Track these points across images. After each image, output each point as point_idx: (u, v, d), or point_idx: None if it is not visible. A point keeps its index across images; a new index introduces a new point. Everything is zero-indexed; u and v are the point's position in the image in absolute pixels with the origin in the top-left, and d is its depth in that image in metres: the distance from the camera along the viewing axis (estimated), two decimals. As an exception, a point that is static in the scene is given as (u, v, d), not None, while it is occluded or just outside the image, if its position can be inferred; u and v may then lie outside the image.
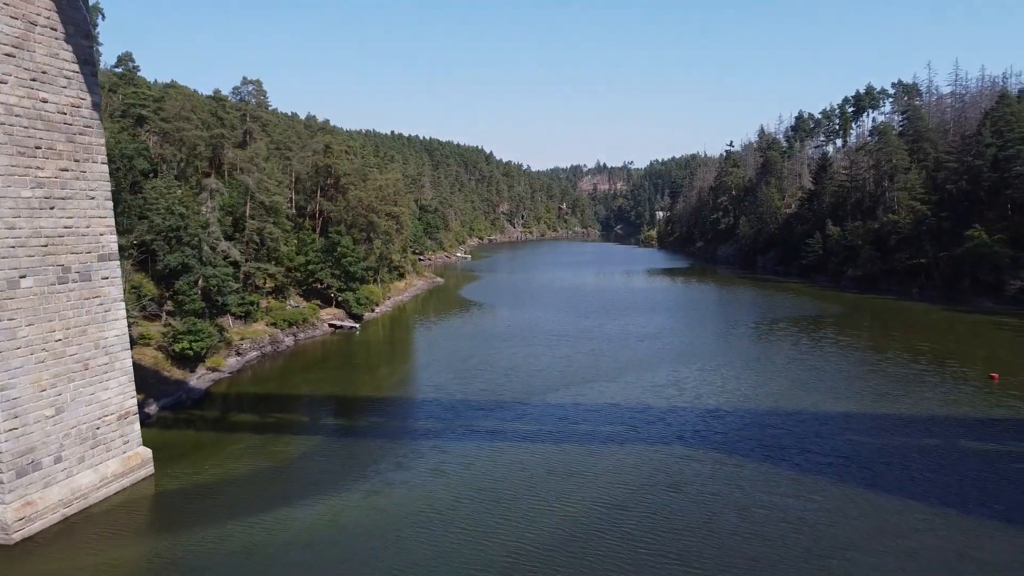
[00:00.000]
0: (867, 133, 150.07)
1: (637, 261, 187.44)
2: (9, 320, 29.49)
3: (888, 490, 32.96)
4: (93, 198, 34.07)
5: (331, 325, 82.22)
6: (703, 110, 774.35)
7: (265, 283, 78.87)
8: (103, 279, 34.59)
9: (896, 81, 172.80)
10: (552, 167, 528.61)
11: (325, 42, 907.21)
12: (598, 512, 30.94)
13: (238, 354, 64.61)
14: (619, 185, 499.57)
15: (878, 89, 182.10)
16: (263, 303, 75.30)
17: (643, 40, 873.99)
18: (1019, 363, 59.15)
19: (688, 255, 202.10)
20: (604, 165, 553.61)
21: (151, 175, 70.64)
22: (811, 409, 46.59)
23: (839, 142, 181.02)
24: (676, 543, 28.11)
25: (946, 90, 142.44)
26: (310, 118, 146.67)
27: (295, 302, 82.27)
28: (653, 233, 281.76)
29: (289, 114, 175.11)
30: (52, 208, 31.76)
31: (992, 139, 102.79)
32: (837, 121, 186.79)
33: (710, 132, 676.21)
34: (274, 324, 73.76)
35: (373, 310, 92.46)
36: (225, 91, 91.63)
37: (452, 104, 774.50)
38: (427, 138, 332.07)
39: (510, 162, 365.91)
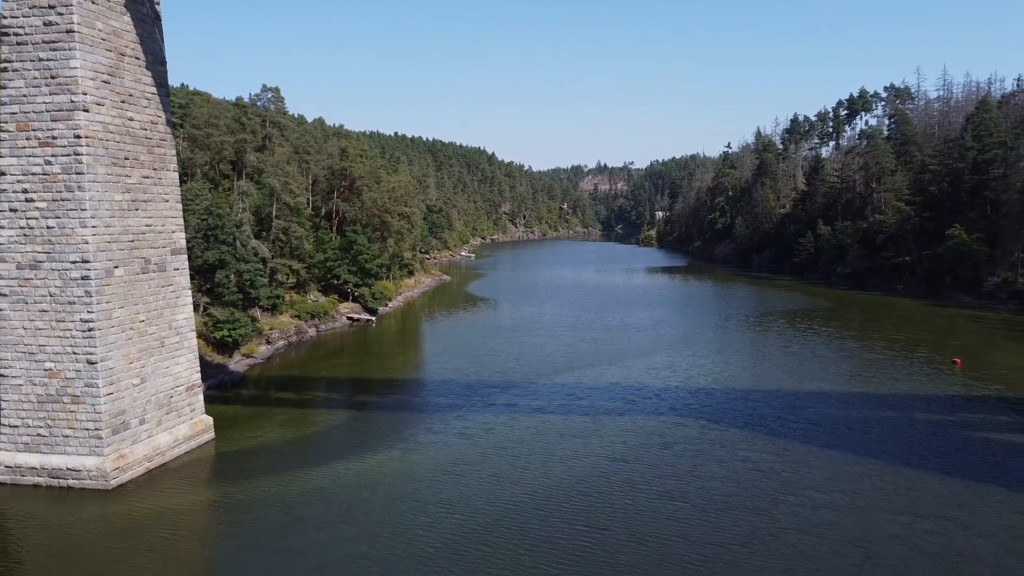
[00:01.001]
0: (856, 136, 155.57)
1: (637, 260, 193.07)
2: (107, 303, 35.19)
3: (846, 448, 38.66)
4: (167, 200, 39.80)
5: (349, 318, 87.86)
6: (703, 111, 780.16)
7: (288, 278, 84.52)
8: (175, 270, 40.33)
9: (888, 85, 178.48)
10: (553, 167, 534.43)
11: (328, 44, 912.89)
12: (602, 464, 36.75)
13: (268, 343, 70.31)
14: (620, 185, 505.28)
15: (871, 93, 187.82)
16: (286, 297, 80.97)
17: (644, 41, 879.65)
18: (984, 351, 64.79)
19: (686, 254, 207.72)
20: (605, 165, 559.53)
21: (184, 179, 76.34)
22: (789, 388, 52.29)
23: (832, 144, 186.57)
24: (666, 485, 33.80)
25: (934, 95, 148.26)
26: (317, 120, 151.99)
27: (315, 296, 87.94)
28: (653, 233, 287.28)
29: (296, 115, 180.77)
30: (137, 209, 37.48)
31: (972, 143, 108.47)
32: (831, 124, 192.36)
33: (710, 133, 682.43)
34: (298, 316, 79.45)
35: (386, 305, 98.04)
36: (225, 93, 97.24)
37: (454, 105, 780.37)
38: (430, 139, 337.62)
39: (512, 163, 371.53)
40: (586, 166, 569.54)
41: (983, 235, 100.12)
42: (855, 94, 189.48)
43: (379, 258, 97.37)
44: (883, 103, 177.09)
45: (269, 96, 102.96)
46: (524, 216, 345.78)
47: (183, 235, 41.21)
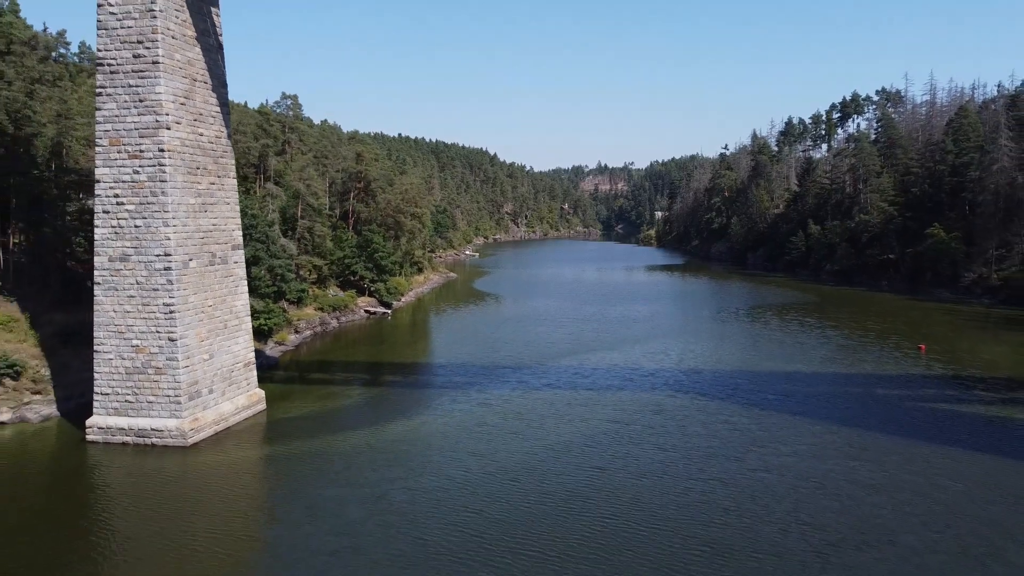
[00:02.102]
0: (844, 140, 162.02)
1: (636, 258, 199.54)
2: (183, 290, 41.69)
3: (812, 416, 45.14)
4: (228, 203, 46.30)
5: (366, 311, 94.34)
6: (703, 112, 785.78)
7: (310, 274, 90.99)
8: (234, 263, 46.86)
9: (880, 88, 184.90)
10: (554, 167, 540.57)
11: (329, 45, 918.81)
12: (604, 425, 43.47)
13: (296, 332, 76.79)
14: (620, 185, 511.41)
15: (863, 96, 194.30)
16: (310, 291, 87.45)
17: (644, 43, 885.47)
18: (949, 339, 71.22)
19: (684, 253, 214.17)
20: (605, 166, 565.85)
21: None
22: (769, 368, 58.79)
23: (824, 146, 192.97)
24: (657, 440, 40.39)
25: (920, 99, 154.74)
26: (332, 126, 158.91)
27: (334, 291, 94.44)
28: (652, 232, 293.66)
29: (304, 118, 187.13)
30: (205, 211, 43.97)
31: (952, 147, 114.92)
32: (823, 126, 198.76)
33: (709, 133, 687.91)
34: (321, 309, 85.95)
35: (400, 299, 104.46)
36: (233, 96, 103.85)
37: (457, 106, 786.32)
38: (433, 140, 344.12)
39: (514, 163, 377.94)
40: (587, 166, 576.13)
41: (961, 234, 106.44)
42: (848, 97, 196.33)
43: (393, 256, 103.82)
44: (874, 106, 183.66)
45: (288, 103, 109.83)
46: (526, 216, 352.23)
47: (240, 233, 47.74)
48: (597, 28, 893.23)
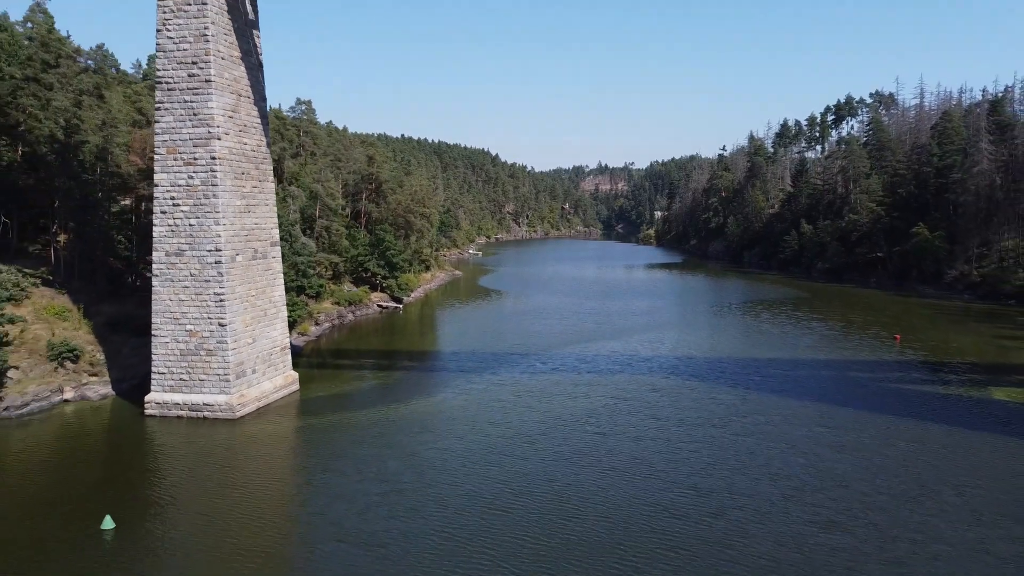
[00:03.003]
0: (835, 142, 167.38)
1: (635, 257, 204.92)
2: (232, 281, 47.07)
3: (788, 393, 50.56)
4: (267, 205, 51.70)
5: (379, 305, 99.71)
6: (703, 113, 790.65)
7: (326, 270, 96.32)
8: (272, 258, 52.25)
9: (874, 91, 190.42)
10: (555, 167, 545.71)
11: (332, 47, 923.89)
12: (606, 400, 49.04)
13: (316, 324, 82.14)
14: (620, 185, 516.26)
15: (857, 99, 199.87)
16: (327, 286, 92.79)
17: (645, 45, 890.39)
18: (925, 330, 76.56)
19: (683, 252, 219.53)
20: (606, 166, 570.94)
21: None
22: (754, 355, 64.16)
23: (819, 148, 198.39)
24: (653, 412, 45.85)
25: (911, 102, 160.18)
26: (343, 129, 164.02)
27: (348, 287, 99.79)
28: (652, 232, 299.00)
29: (316, 121, 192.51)
30: (249, 211, 49.35)
31: (937, 149, 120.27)
32: (818, 129, 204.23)
33: (709, 134, 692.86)
34: (338, 303, 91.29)
35: (409, 295, 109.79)
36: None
37: (459, 107, 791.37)
38: (436, 141, 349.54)
39: (515, 164, 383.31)
40: (587, 166, 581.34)
41: (944, 233, 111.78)
42: (841, 100, 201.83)
43: (403, 253, 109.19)
44: (867, 109, 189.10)
45: (303, 109, 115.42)
46: (527, 216, 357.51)
47: (277, 231, 53.15)
48: (598, 29, 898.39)
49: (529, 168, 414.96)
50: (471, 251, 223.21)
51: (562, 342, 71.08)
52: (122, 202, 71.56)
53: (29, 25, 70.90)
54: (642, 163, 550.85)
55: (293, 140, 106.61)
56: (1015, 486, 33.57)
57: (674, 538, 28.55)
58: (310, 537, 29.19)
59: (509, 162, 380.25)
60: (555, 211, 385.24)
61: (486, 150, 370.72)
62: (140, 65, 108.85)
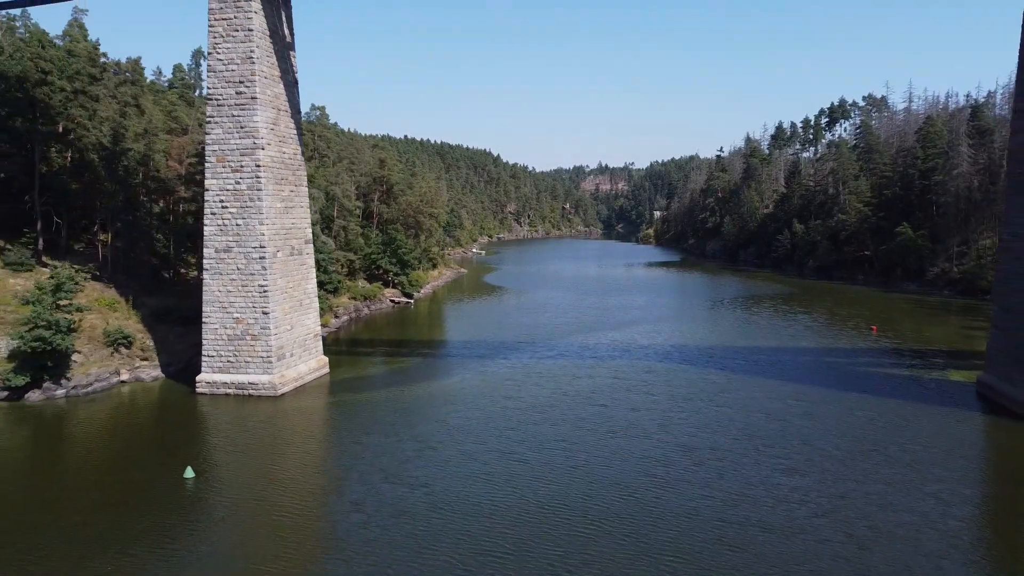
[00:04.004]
0: (826, 145, 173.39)
1: (634, 256, 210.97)
2: (274, 274, 53.08)
3: (769, 375, 56.58)
4: (302, 207, 57.73)
5: (392, 300, 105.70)
6: (702, 113, 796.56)
7: (342, 268, 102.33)
8: (307, 254, 58.30)
9: (867, 95, 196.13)
10: (556, 167, 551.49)
11: (335, 50, 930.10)
12: (606, 380, 55.16)
13: (336, 316, 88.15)
14: (620, 185, 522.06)
15: (850, 102, 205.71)
16: (343, 282, 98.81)
17: (646, 47, 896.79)
18: (901, 323, 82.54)
19: (681, 251, 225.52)
20: (606, 166, 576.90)
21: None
22: (741, 343, 70.20)
23: (812, 150, 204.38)
24: (648, 388, 51.94)
25: (900, 107, 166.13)
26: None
27: (362, 283, 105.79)
28: (651, 232, 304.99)
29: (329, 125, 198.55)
30: (287, 212, 55.36)
31: (921, 152, 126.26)
32: (811, 131, 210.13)
33: (709, 134, 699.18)
34: (354, 298, 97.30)
35: (419, 291, 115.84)
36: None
37: (461, 109, 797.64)
38: (438, 142, 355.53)
39: (516, 164, 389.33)
40: (588, 166, 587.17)
41: (927, 232, 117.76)
42: (835, 103, 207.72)
43: (414, 252, 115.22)
44: (859, 112, 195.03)
45: (317, 114, 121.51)
46: (528, 216, 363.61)
47: (311, 230, 59.17)
48: (598, 31, 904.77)
49: (530, 168, 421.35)
50: (474, 250, 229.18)
51: (565, 332, 77.15)
52: (158, 204, 77.59)
53: (68, 39, 76.47)
54: (642, 163, 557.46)
55: (308, 144, 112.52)
56: (951, 445, 39.60)
57: (663, 480, 34.63)
58: (364, 478, 35.34)
59: (511, 162, 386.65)
60: (556, 211, 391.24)
61: (488, 151, 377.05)
62: (160, 72, 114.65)
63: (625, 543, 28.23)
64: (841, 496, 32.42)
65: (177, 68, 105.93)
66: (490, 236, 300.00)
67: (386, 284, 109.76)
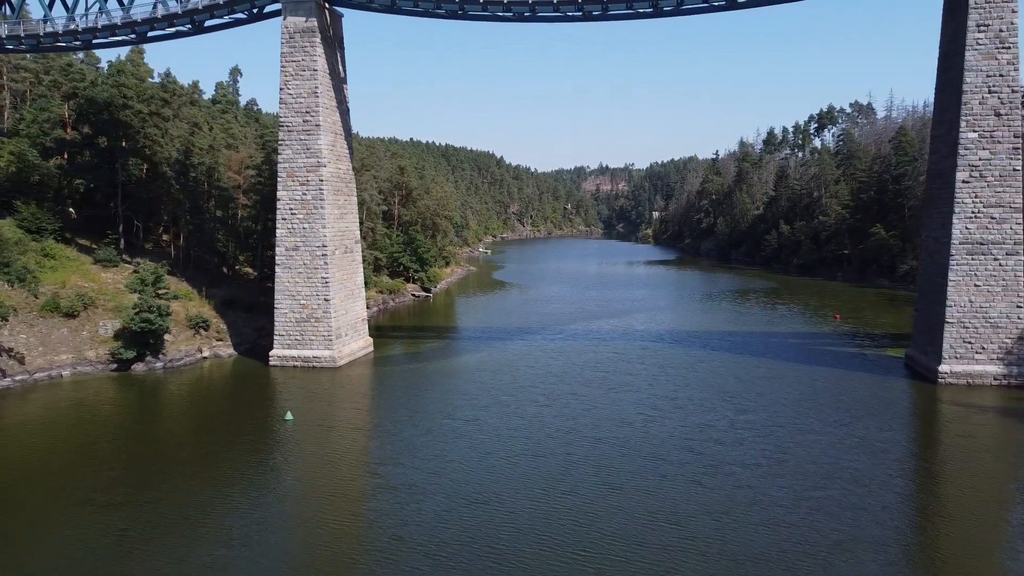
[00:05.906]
0: (810, 151, 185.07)
1: (633, 255, 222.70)
2: (333, 269, 64.82)
3: (742, 351, 68.41)
4: (352, 213, 69.64)
5: (413, 294, 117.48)
6: (702, 115, 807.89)
7: (368, 265, 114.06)
8: (356, 252, 70.19)
9: (853, 102, 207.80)
10: (557, 168, 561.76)
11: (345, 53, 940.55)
12: (607, 355, 67.14)
13: (367, 308, 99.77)
14: (621, 186, 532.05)
15: (838, 109, 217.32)
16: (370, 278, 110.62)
17: (646, 47, 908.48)
18: (864, 312, 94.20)
19: (678, 250, 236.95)
20: (607, 167, 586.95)
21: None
22: (722, 328, 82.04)
23: (801, 154, 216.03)
24: (644, 362, 63.68)
25: (881, 114, 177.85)
26: (376, 140, 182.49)
27: (386, 279, 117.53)
28: (650, 231, 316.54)
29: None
30: (342, 218, 67.16)
31: (895, 159, 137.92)
32: (800, 136, 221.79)
33: (708, 135, 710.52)
34: (380, 292, 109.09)
35: (436, 287, 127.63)
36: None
37: (465, 111, 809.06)
38: (443, 144, 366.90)
39: (519, 165, 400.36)
40: (588, 167, 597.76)
41: (898, 233, 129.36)
42: (824, 109, 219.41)
43: (431, 251, 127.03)
44: (845, 119, 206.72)
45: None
46: (531, 216, 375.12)
47: (359, 232, 71.00)
48: (599, 30, 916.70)
49: (532, 169, 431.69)
50: (480, 249, 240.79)
51: (570, 320, 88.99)
52: (219, 210, 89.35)
53: (130, 63, 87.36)
54: (642, 164, 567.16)
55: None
56: (877, 404, 51.15)
57: (650, 416, 46.55)
58: (426, 419, 47.42)
59: (513, 164, 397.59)
60: (557, 211, 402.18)
61: (491, 152, 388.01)
62: (199, 89, 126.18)
63: (621, 451, 40.29)
64: (780, 426, 44.41)
65: (219, 86, 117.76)
66: (494, 236, 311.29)
67: (407, 280, 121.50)
